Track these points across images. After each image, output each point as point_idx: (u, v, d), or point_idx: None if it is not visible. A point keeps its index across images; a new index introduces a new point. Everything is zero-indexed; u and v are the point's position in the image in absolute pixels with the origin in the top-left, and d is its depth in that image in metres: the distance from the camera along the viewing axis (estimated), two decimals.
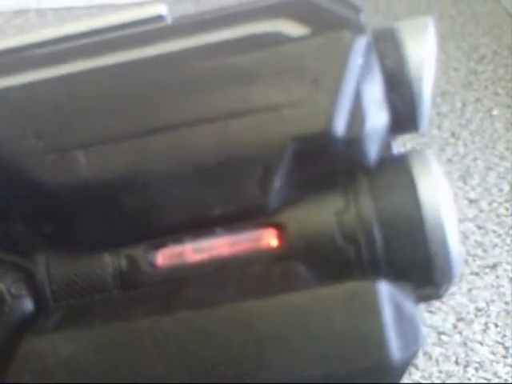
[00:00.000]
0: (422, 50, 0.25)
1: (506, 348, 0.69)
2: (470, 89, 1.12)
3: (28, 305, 0.25)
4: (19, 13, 1.38)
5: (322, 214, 0.24)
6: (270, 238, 0.24)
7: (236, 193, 0.24)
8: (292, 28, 0.24)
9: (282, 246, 0.24)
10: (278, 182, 0.24)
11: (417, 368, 0.65)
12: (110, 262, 0.25)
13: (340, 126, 0.23)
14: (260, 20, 0.24)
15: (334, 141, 0.23)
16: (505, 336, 0.70)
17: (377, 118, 0.24)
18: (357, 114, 0.24)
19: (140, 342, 0.24)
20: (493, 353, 0.68)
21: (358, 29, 0.24)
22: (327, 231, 0.24)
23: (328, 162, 0.24)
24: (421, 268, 0.24)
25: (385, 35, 0.26)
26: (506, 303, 0.73)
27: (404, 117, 0.26)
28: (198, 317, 0.23)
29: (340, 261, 0.24)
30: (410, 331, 0.23)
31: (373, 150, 0.24)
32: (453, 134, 1.01)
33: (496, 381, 0.66)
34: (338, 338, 0.23)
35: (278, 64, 0.24)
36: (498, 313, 0.72)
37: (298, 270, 0.24)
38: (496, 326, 0.71)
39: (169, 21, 0.26)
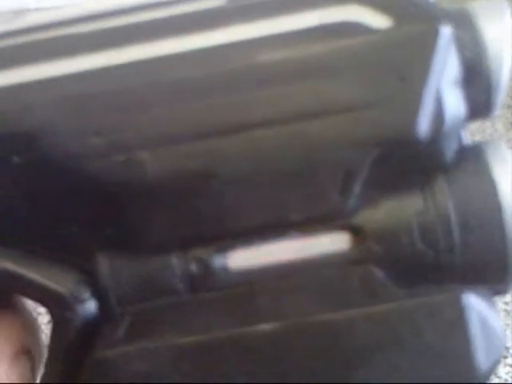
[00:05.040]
0: (501, 38, 0.24)
1: (506, 348, 0.68)
2: None
3: (91, 309, 0.23)
4: (19, 13, 1.37)
5: (401, 216, 0.23)
6: (347, 242, 0.23)
7: (314, 198, 0.23)
8: (371, 18, 0.23)
9: (359, 250, 0.23)
10: (357, 185, 0.22)
11: None
12: (177, 265, 0.23)
13: (424, 127, 0.22)
14: (333, 5, 0.23)
15: (417, 143, 0.22)
16: (504, 336, 0.70)
17: (456, 114, 0.23)
18: (438, 112, 0.22)
19: (218, 356, 0.23)
20: None
21: (440, 18, 0.23)
22: (407, 234, 0.23)
23: (406, 163, 0.23)
24: (497, 269, 0.23)
25: (462, 22, 0.24)
26: (506, 303, 0.73)
27: (479, 107, 0.24)
28: (279, 331, 0.23)
29: (418, 265, 0.23)
30: (493, 341, 0.23)
31: (450, 147, 0.23)
32: None
33: (496, 381, 0.66)
34: (424, 353, 0.23)
35: (359, 58, 0.22)
36: (498, 313, 0.72)
37: (377, 275, 0.23)
38: None
39: None
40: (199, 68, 0.23)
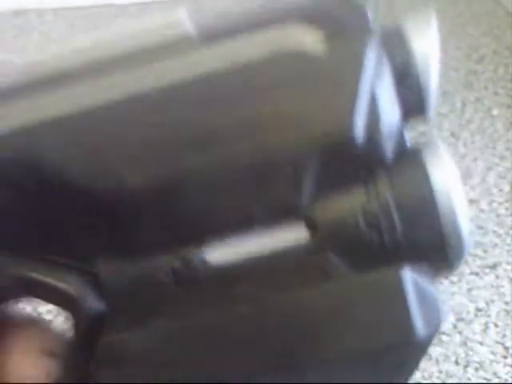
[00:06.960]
0: (428, 47, 0.28)
1: (506, 348, 0.69)
2: (470, 89, 1.12)
3: (95, 306, 0.27)
4: (19, 13, 1.38)
5: (348, 207, 0.27)
6: (304, 234, 0.27)
7: (272, 195, 0.27)
8: (306, 38, 0.26)
9: (314, 241, 0.27)
10: (308, 183, 0.26)
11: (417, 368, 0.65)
12: (164, 264, 0.27)
13: (360, 128, 0.25)
14: (275, 29, 0.27)
15: (355, 143, 0.26)
16: (505, 336, 0.70)
17: (390, 114, 0.27)
18: (373, 114, 0.26)
19: (203, 336, 0.27)
20: (493, 353, 0.68)
21: (369, 33, 0.26)
22: (353, 221, 0.27)
23: (349, 161, 0.26)
24: (436, 248, 0.27)
25: (391, 34, 0.28)
26: (506, 303, 0.73)
27: (413, 107, 0.28)
28: (254, 312, 0.27)
29: (365, 247, 0.27)
30: (431, 311, 0.26)
31: (389, 145, 0.27)
32: (453, 134, 1.01)
33: (496, 381, 0.66)
34: (371, 321, 0.27)
35: (300, 79, 0.26)
36: (498, 313, 0.72)
37: (332, 261, 0.27)
38: (496, 325, 0.71)
39: (190, 30, 0.27)
40: (171, 92, 0.26)
